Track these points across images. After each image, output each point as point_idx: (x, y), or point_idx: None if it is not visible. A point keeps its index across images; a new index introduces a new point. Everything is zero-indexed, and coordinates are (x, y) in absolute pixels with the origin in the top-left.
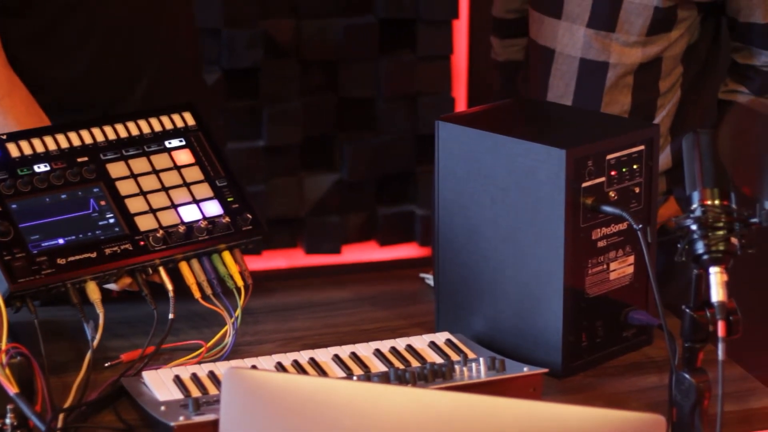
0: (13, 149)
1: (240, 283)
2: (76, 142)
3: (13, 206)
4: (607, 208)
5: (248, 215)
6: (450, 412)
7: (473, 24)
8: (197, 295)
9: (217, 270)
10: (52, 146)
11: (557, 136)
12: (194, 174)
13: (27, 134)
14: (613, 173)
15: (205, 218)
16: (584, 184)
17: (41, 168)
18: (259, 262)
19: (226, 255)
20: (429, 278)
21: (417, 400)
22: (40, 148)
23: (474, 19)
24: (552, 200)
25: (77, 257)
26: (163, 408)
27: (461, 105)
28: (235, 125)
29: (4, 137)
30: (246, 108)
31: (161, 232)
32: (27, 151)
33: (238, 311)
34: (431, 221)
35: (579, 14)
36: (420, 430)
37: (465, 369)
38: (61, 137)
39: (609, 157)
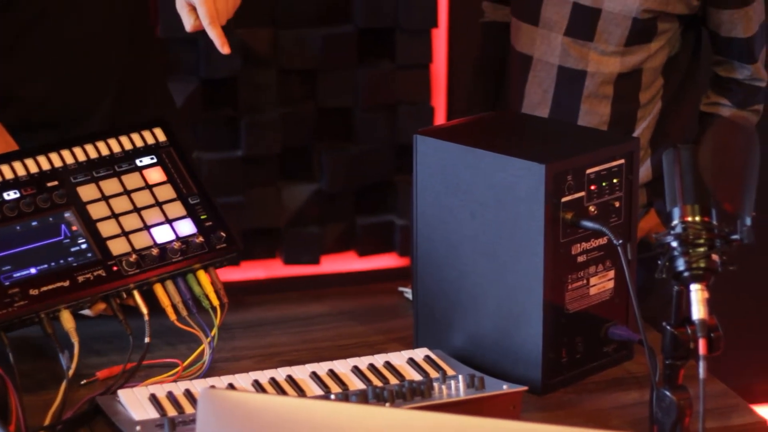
0: None
1: (216, 302)
2: (46, 166)
3: None
4: (587, 224)
5: (222, 233)
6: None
7: (452, 33)
8: (173, 317)
9: (192, 290)
10: (21, 171)
11: (536, 151)
12: (166, 192)
13: None
14: (592, 187)
15: (178, 239)
16: (564, 199)
17: (11, 195)
18: (237, 273)
19: (201, 274)
20: (408, 292)
21: (395, 421)
22: (8, 175)
23: (453, 28)
24: (531, 215)
25: (50, 287)
26: (138, 428)
27: (441, 114)
28: (212, 135)
29: None
30: (224, 118)
31: (134, 256)
32: None
33: (214, 330)
34: (409, 235)
35: (556, 22)
36: None
37: (444, 387)
38: (29, 161)
39: (589, 171)
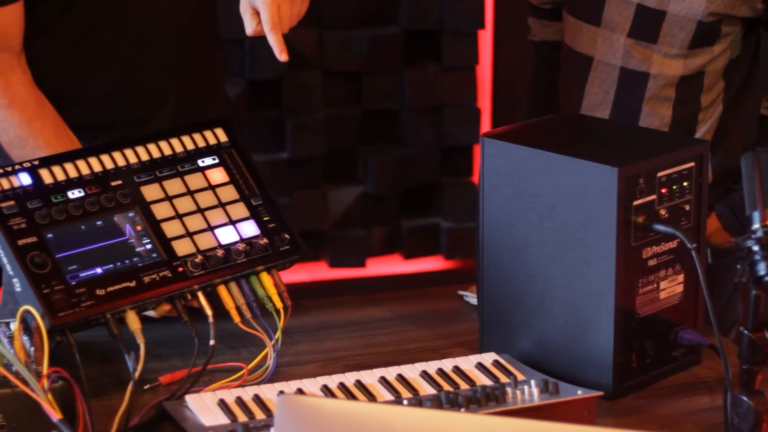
0: (45, 175)
1: (279, 304)
2: (109, 165)
3: (49, 236)
4: (660, 227)
5: (286, 235)
6: None
7: (498, 34)
8: (237, 319)
9: (255, 292)
10: (85, 170)
11: (608, 154)
12: (229, 193)
13: (59, 159)
14: (663, 191)
15: (242, 240)
16: (635, 202)
17: (75, 194)
18: (282, 276)
19: (264, 276)
20: (468, 296)
21: (474, 427)
22: (73, 173)
23: (499, 30)
24: (602, 219)
25: (116, 287)
26: None
27: (486, 116)
28: (258, 137)
29: (36, 163)
30: (269, 120)
31: (200, 257)
32: (60, 176)
33: (278, 333)
34: (475, 239)
35: (619, 23)
36: None
37: (517, 392)
38: (93, 160)
39: (660, 174)
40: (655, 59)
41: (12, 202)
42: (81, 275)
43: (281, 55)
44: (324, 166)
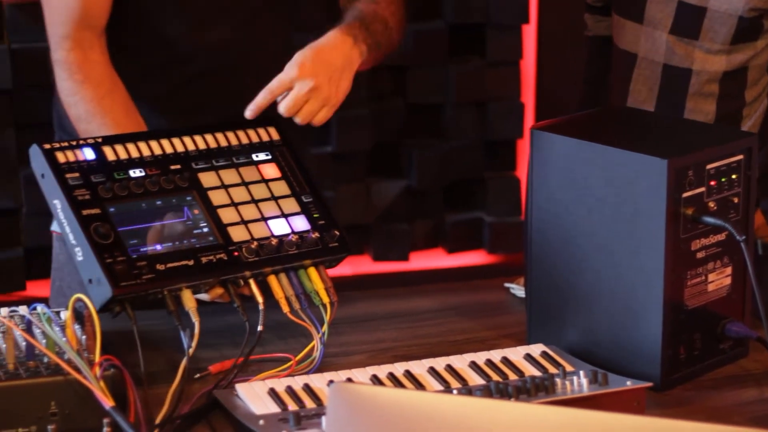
0: (109, 152)
1: (326, 299)
2: (169, 150)
3: (112, 209)
4: (709, 219)
5: (335, 232)
6: (559, 427)
7: (542, 29)
8: (286, 309)
9: (303, 285)
10: (146, 152)
11: (657, 146)
12: (281, 188)
13: (122, 139)
14: (712, 183)
15: (294, 232)
16: (684, 195)
17: (136, 173)
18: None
19: (312, 271)
20: (514, 288)
21: (526, 416)
22: (135, 154)
23: (543, 24)
24: (652, 211)
25: (175, 264)
26: (261, 422)
27: (530, 111)
28: (303, 131)
29: (100, 140)
30: None
31: (255, 243)
32: (122, 155)
33: (325, 327)
34: (524, 231)
35: (661, 20)
36: None
37: (566, 382)
38: (154, 144)
39: (709, 166)
40: (697, 55)
41: (77, 174)
42: (142, 250)
43: (247, 112)
44: (368, 160)
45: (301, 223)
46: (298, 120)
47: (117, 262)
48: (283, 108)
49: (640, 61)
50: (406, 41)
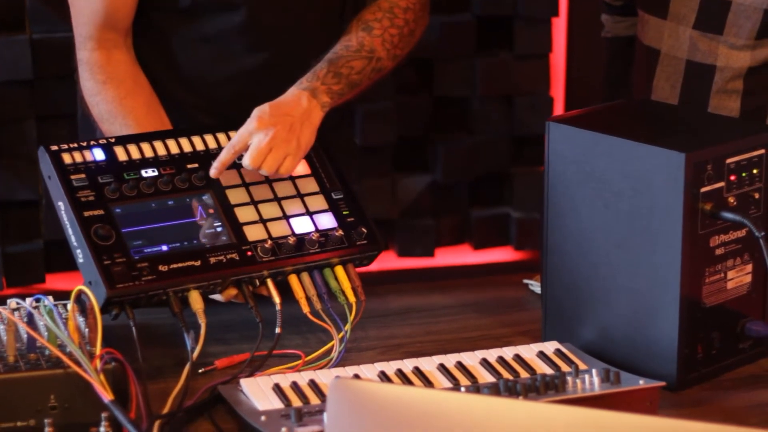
0: (120, 153)
1: (352, 299)
2: (188, 149)
3: (117, 210)
4: (728, 215)
5: (363, 229)
6: (567, 427)
7: (572, 22)
8: (306, 309)
9: (328, 284)
10: (161, 152)
11: (675, 139)
12: (309, 185)
13: (136, 138)
14: (732, 178)
15: (317, 230)
16: (703, 189)
17: (149, 173)
18: None
19: (339, 270)
20: (533, 284)
21: (531, 414)
22: (148, 153)
23: (573, 17)
24: (669, 205)
25: (180, 264)
26: (263, 418)
27: (559, 105)
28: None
29: (112, 140)
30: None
31: (270, 242)
32: (135, 155)
33: (348, 326)
34: (540, 226)
35: (685, 15)
36: None
37: (578, 381)
38: (171, 143)
39: (729, 161)
40: (721, 51)
41: (82, 176)
42: (145, 251)
43: (212, 171)
44: (393, 154)
45: (327, 221)
46: (264, 172)
47: (116, 264)
48: (247, 160)
49: (663, 57)
50: (433, 34)
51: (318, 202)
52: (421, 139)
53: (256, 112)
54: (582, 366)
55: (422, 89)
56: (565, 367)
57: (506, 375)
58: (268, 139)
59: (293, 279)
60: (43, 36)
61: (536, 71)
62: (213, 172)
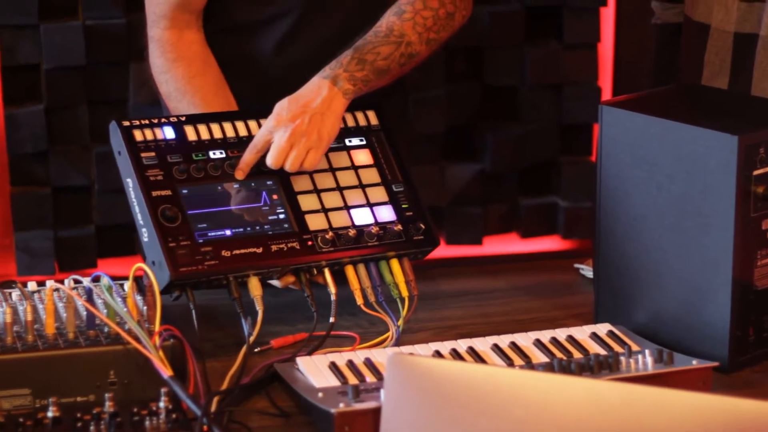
0: (190, 132)
1: (405, 293)
2: (255, 131)
3: (184, 191)
4: None
5: (421, 225)
6: (621, 403)
7: (620, 11)
8: (360, 301)
9: (383, 277)
10: (230, 133)
11: (727, 122)
12: (371, 176)
13: (206, 118)
14: None
15: (377, 223)
16: (755, 172)
17: (216, 154)
18: None
19: (394, 263)
20: (584, 269)
21: (587, 391)
22: (217, 134)
23: (622, 7)
24: (721, 188)
25: (242, 251)
26: (320, 394)
27: (607, 95)
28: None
29: (183, 119)
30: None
31: (331, 233)
32: (204, 135)
33: (401, 321)
34: (593, 209)
35: None
36: (591, 422)
37: (631, 361)
38: (240, 125)
39: None
40: (766, 21)
41: (153, 153)
42: (210, 234)
43: (237, 172)
44: (443, 142)
45: (386, 214)
46: (288, 168)
47: (180, 246)
48: (269, 160)
49: (712, 32)
50: (482, 23)
51: (379, 193)
52: (469, 127)
53: (275, 108)
54: (635, 347)
55: (472, 78)
56: (618, 348)
57: (559, 355)
58: (287, 135)
59: (350, 270)
60: (96, 22)
61: (584, 61)
62: (238, 173)
